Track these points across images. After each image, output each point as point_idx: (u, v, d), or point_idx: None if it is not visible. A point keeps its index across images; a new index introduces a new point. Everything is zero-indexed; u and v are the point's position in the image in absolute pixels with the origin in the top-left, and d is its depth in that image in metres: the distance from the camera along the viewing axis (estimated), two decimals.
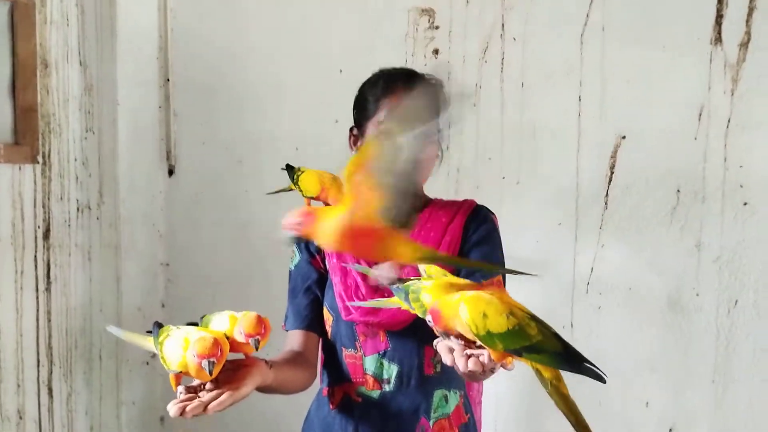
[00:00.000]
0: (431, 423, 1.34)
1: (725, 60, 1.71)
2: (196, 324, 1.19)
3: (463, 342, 0.93)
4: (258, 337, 1.09)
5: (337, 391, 1.40)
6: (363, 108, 1.39)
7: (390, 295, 1.31)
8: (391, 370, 1.34)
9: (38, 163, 2.00)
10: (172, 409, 1.03)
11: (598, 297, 1.85)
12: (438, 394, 1.35)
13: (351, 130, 1.45)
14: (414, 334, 1.33)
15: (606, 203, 1.84)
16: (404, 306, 1.05)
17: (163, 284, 2.33)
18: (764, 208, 1.71)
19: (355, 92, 2.03)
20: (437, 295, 0.95)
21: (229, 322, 1.12)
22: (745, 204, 1.72)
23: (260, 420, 2.25)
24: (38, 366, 2.03)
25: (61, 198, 2.09)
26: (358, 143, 1.42)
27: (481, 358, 0.89)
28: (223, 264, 2.27)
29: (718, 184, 1.74)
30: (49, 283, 2.06)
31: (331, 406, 1.40)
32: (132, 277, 2.27)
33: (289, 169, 1.62)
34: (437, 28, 1.95)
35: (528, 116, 1.89)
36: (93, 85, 2.16)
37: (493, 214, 1.43)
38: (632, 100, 1.79)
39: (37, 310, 2.03)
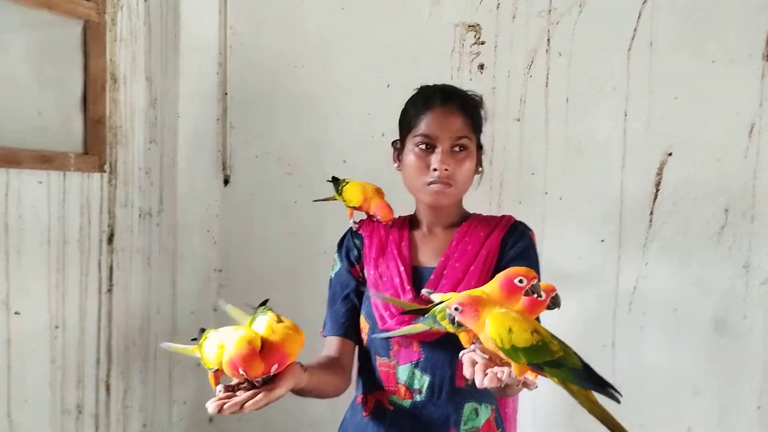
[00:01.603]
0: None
1: None
2: (264, 303, 1.25)
3: (487, 356, 0.96)
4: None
5: (370, 398, 1.43)
6: (404, 123, 1.44)
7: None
8: (423, 381, 1.36)
9: (105, 171, 2.13)
10: (211, 406, 1.09)
11: (641, 316, 1.82)
12: (468, 407, 1.37)
13: (394, 143, 1.49)
14: (447, 346, 1.35)
15: (651, 221, 1.81)
16: (434, 328, 1.09)
17: (215, 289, 2.44)
18: None
19: (401, 106, 2.11)
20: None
21: (266, 327, 1.16)
22: None
23: (303, 422, 2.31)
24: (98, 363, 2.16)
25: (125, 205, 2.23)
26: (400, 156, 1.46)
27: (498, 374, 0.91)
28: (272, 270, 2.35)
29: None
30: (111, 285, 2.19)
31: (364, 413, 1.43)
32: (187, 281, 2.39)
33: (335, 180, 1.68)
34: (483, 43, 1.98)
35: (572, 131, 1.88)
36: (157, 98, 2.29)
37: (530, 230, 1.44)
38: (680, 116, 1.76)
39: (99, 311, 2.16)
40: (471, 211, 1.49)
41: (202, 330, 1.25)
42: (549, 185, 1.92)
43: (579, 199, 1.89)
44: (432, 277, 1.39)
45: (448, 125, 1.37)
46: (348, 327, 1.45)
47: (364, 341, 1.45)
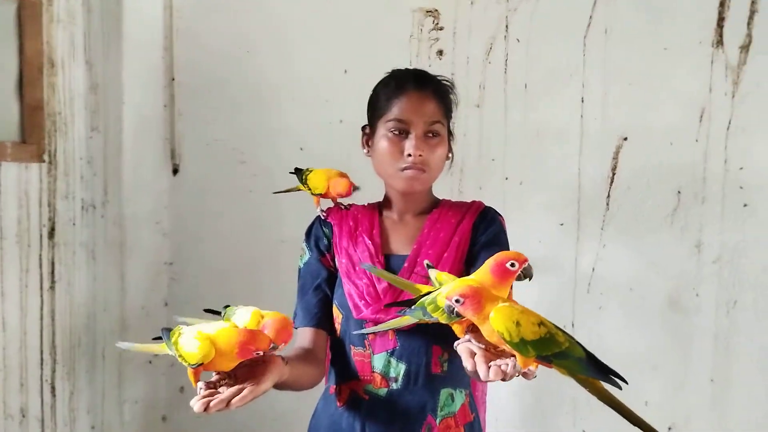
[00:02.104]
0: (437, 421, 1.35)
1: (726, 62, 1.74)
2: (212, 311, 1.20)
3: (483, 345, 0.96)
4: (283, 344, 1.10)
5: (344, 388, 1.41)
6: (375, 107, 1.41)
7: (402, 294, 1.34)
8: (399, 369, 1.35)
9: (44, 161, 2.00)
10: (197, 404, 1.03)
11: (600, 297, 1.88)
12: (444, 393, 1.37)
13: (363, 129, 1.47)
14: (423, 334, 1.34)
15: (608, 204, 1.86)
16: (423, 321, 1.07)
17: (166, 283, 2.34)
18: (763, 209, 1.75)
19: (359, 92, 2.07)
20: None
21: (251, 319, 1.13)
22: (745, 205, 1.75)
23: (266, 416, 2.27)
24: (42, 364, 2.04)
25: (67, 197, 2.10)
26: (370, 142, 1.44)
27: (503, 367, 0.91)
28: (227, 263, 2.28)
29: (719, 185, 1.77)
30: (53, 281, 2.06)
31: (338, 404, 1.41)
32: (136, 276, 2.28)
33: (298, 171, 1.63)
34: (441, 29, 1.97)
35: (531, 117, 1.91)
36: (98, 84, 2.16)
37: (500, 215, 1.45)
38: (634, 102, 1.82)
39: (41, 309, 2.03)
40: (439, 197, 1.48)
41: (167, 329, 1.19)
42: (509, 170, 1.94)
43: (538, 184, 1.92)
44: (405, 265, 1.38)
45: (422, 110, 1.35)
46: (321, 317, 1.42)
47: (338, 331, 1.42)
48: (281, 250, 2.19)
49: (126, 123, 2.22)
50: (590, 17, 1.83)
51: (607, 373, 0.90)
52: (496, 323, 0.89)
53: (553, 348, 0.88)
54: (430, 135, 1.35)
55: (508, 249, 1.42)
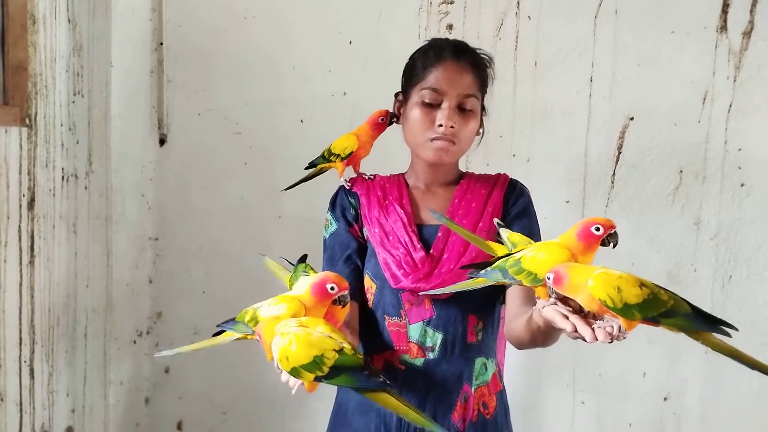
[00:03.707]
0: (473, 390, 1.35)
1: (729, 47, 1.81)
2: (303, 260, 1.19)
3: (570, 309, 0.95)
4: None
5: (377, 359, 1.39)
6: (411, 74, 1.39)
7: (440, 263, 1.33)
8: (435, 338, 1.34)
9: (26, 125, 1.86)
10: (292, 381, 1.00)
11: None
12: (479, 362, 1.37)
13: (396, 95, 1.44)
14: (459, 303, 1.34)
15: (613, 182, 1.91)
16: (501, 282, 1.06)
17: (151, 259, 2.23)
18: (759, 189, 1.84)
19: (365, 64, 2.04)
20: (553, 258, 0.97)
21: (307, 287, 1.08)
22: (742, 185, 1.84)
23: (254, 400, 2.20)
24: (20, 345, 1.90)
25: (46, 165, 1.96)
26: (402, 109, 1.41)
27: (608, 329, 0.91)
28: (217, 240, 2.19)
29: (718, 165, 1.85)
30: (33, 256, 1.93)
31: None
32: (121, 251, 2.15)
33: (311, 164, 1.55)
34: (452, 2, 1.96)
35: (540, 95, 1.93)
36: (82, 45, 2.02)
37: (526, 188, 1.46)
38: (641, 83, 1.86)
39: (20, 286, 1.90)
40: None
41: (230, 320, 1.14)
42: (516, 147, 1.96)
43: (545, 161, 1.94)
44: (439, 234, 1.37)
45: (458, 80, 1.34)
46: (354, 288, 1.39)
47: (370, 302, 1.39)
48: (278, 226, 2.13)
49: (113, 88, 2.09)
50: None
51: (715, 323, 0.91)
52: (597, 291, 0.89)
53: (658, 308, 0.88)
54: (464, 108, 1.34)
55: (536, 220, 1.44)
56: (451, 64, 1.34)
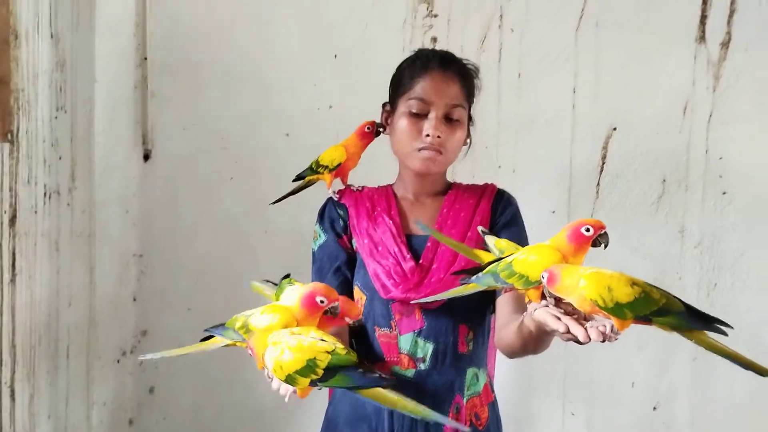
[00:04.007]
0: (465, 400, 1.35)
1: (708, 58, 1.84)
2: (287, 277, 1.17)
3: (562, 311, 0.96)
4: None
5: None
6: (398, 85, 1.40)
7: (428, 274, 1.32)
8: (426, 349, 1.34)
9: (8, 141, 1.83)
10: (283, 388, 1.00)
11: None
12: (470, 372, 1.37)
13: (384, 106, 1.44)
14: (449, 313, 1.34)
15: (597, 192, 1.93)
16: (493, 287, 1.06)
17: (135, 276, 2.20)
18: (740, 197, 1.87)
19: (350, 78, 2.05)
20: (545, 260, 0.97)
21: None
22: (724, 193, 1.87)
23: (242, 415, 2.17)
24: (1, 365, 1.86)
25: (29, 182, 1.92)
26: (389, 120, 1.42)
27: (600, 328, 0.91)
28: (202, 256, 2.16)
29: (700, 174, 1.87)
30: (14, 274, 1.89)
31: None
32: (104, 268, 2.12)
33: (299, 177, 1.55)
34: (436, 15, 1.97)
35: (524, 106, 1.95)
36: (65, 60, 2.00)
37: (513, 197, 1.47)
38: (623, 94, 1.89)
39: (1, 304, 1.85)
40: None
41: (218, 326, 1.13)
42: (502, 158, 1.97)
43: (531, 172, 1.96)
44: (429, 244, 1.37)
45: (445, 90, 1.35)
46: None
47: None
48: (265, 241, 2.11)
49: (97, 104, 2.07)
50: (582, 10, 1.90)
51: (709, 322, 0.91)
52: (588, 291, 0.89)
53: (650, 306, 0.89)
54: (451, 118, 1.35)
55: (524, 229, 1.44)
56: (438, 75, 1.35)
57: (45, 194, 1.99)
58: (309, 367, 0.93)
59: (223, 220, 2.14)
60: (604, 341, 0.90)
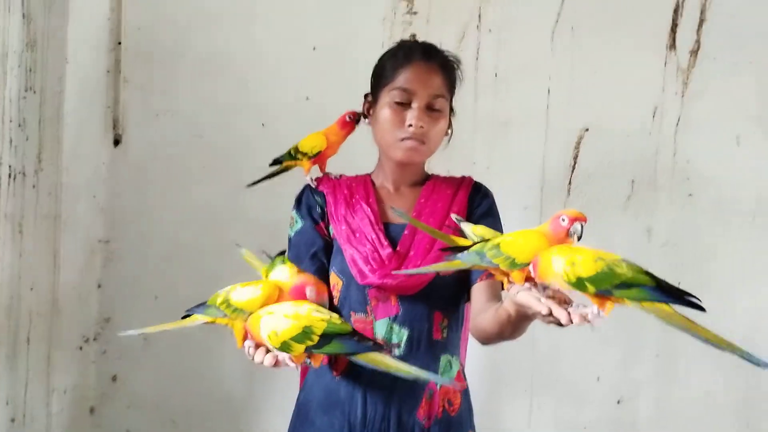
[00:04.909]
0: (438, 386, 1.35)
1: (678, 64, 1.91)
2: (282, 254, 1.16)
3: (545, 295, 0.97)
4: None
5: (341, 357, 1.37)
6: (380, 75, 1.40)
7: (407, 259, 1.33)
8: (401, 335, 1.34)
9: None
10: (268, 358, 1.00)
11: None
12: (444, 359, 1.37)
13: (366, 96, 1.45)
14: (425, 299, 1.35)
15: (569, 191, 1.97)
16: (477, 266, 1.07)
17: (100, 263, 2.15)
18: (705, 198, 1.93)
19: (328, 70, 2.05)
20: (532, 244, 0.99)
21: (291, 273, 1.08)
22: (690, 195, 1.93)
23: (211, 399, 2.13)
24: None
25: None
26: (371, 110, 1.42)
27: (582, 312, 0.92)
28: (171, 244, 2.12)
29: (668, 176, 1.93)
30: None
31: (334, 373, 1.37)
32: (69, 253, 2.06)
33: (276, 161, 1.55)
34: (415, 13, 2.00)
35: (499, 105, 1.98)
36: (36, 41, 1.96)
37: (490, 190, 1.49)
38: (596, 96, 1.94)
39: None
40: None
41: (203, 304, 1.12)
42: (477, 155, 1.99)
43: (505, 170, 1.99)
44: (406, 232, 1.38)
45: (427, 81, 1.36)
46: None
47: (335, 299, 1.38)
48: (235, 231, 2.09)
49: (67, 86, 2.03)
50: (558, 14, 1.94)
51: (680, 296, 0.93)
52: (555, 266, 0.91)
53: (612, 280, 0.90)
54: (433, 108, 1.36)
55: (500, 221, 1.47)
56: (421, 65, 1.37)
57: (9, 175, 1.93)
58: (305, 334, 0.95)
59: (194, 208, 2.11)
60: (589, 324, 0.92)
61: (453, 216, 1.31)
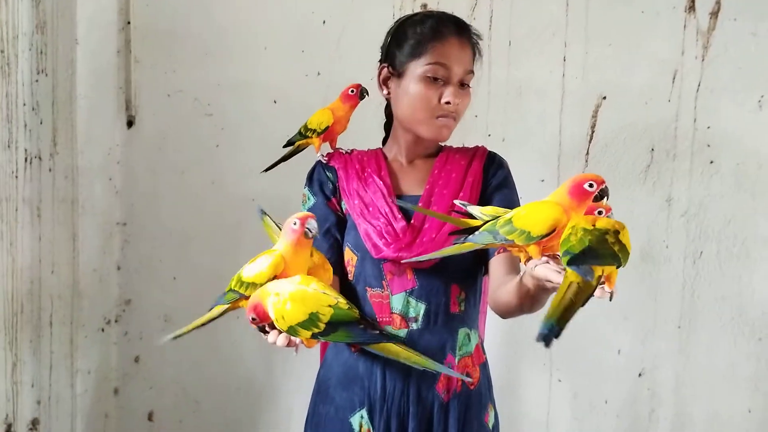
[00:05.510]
0: (457, 360, 1.34)
1: (697, 27, 1.85)
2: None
3: (562, 267, 0.95)
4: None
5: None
6: (405, 45, 1.34)
7: (422, 231, 1.32)
8: (418, 308, 1.33)
9: None
10: (281, 339, 1.00)
11: None
12: (462, 332, 1.36)
13: (385, 66, 1.39)
14: (441, 272, 1.33)
15: (587, 161, 1.93)
16: (492, 245, 1.05)
17: (119, 245, 2.16)
18: (726, 166, 1.88)
19: (338, 44, 2.02)
20: (546, 214, 0.97)
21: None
22: (711, 162, 1.88)
23: (229, 385, 2.16)
24: None
25: (9, 146, 1.88)
26: (389, 82, 1.38)
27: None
28: (187, 224, 2.13)
29: (688, 143, 1.88)
30: None
31: (353, 349, 1.37)
32: (88, 235, 2.08)
33: (289, 142, 1.54)
34: None
35: (514, 75, 1.94)
36: (46, 22, 1.95)
37: (505, 160, 1.46)
38: (613, 62, 1.89)
39: None
40: None
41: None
42: (491, 127, 1.96)
43: (520, 141, 1.95)
44: (420, 204, 1.36)
45: (463, 57, 1.33)
46: (335, 263, 1.37)
47: (350, 274, 1.38)
48: (250, 209, 2.08)
49: (79, 68, 2.02)
50: None
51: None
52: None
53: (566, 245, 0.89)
54: (464, 83, 1.34)
55: (516, 191, 1.44)
56: (456, 41, 1.32)
57: (26, 159, 1.94)
58: (311, 321, 0.94)
59: (209, 188, 2.11)
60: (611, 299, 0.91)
61: (457, 201, 1.28)
